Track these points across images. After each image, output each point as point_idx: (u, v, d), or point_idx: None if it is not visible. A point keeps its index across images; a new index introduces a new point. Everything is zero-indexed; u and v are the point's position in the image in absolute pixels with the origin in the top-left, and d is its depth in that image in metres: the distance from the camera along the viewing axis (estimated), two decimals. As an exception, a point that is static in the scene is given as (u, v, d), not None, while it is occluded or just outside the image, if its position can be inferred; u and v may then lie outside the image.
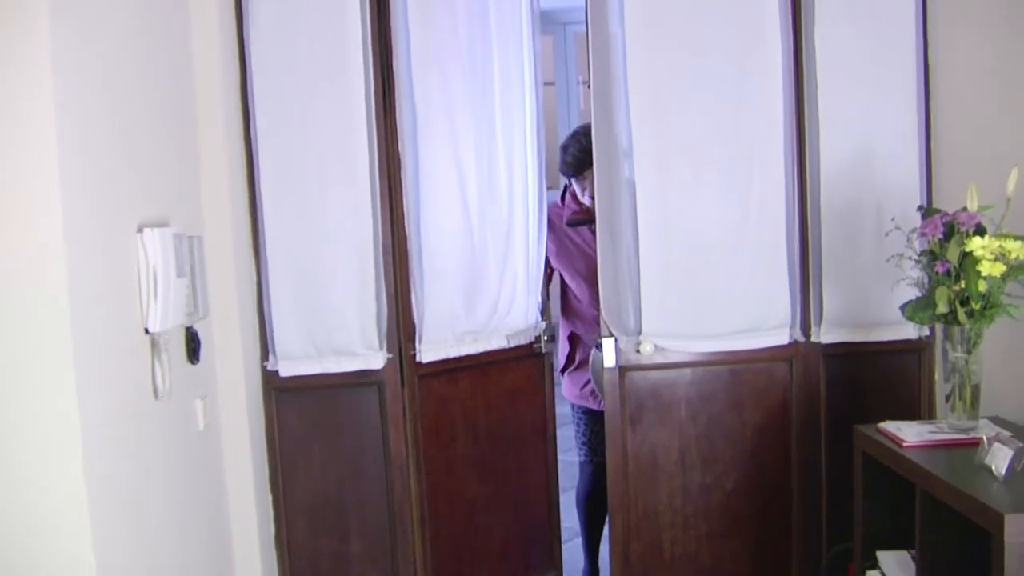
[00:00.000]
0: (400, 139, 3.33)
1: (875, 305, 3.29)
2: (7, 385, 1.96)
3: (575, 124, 6.73)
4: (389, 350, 3.34)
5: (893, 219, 2.95)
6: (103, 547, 2.06)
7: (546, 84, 6.76)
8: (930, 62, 3.31)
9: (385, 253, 3.32)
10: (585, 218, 3.84)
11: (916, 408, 3.38)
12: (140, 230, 2.36)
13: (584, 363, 3.97)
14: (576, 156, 3.86)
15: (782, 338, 3.35)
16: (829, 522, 3.44)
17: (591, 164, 3.42)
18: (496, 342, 3.63)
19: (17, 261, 1.94)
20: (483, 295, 3.60)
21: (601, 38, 3.33)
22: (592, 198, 3.52)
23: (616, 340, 3.37)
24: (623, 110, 3.31)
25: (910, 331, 3.29)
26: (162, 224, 2.49)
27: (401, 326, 3.38)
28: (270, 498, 3.35)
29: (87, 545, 2.01)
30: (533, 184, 3.72)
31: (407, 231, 3.37)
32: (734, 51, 3.27)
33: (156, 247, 2.36)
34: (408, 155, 3.36)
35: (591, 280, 3.62)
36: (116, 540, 2.15)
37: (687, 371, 3.41)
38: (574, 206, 3.96)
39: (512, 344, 3.68)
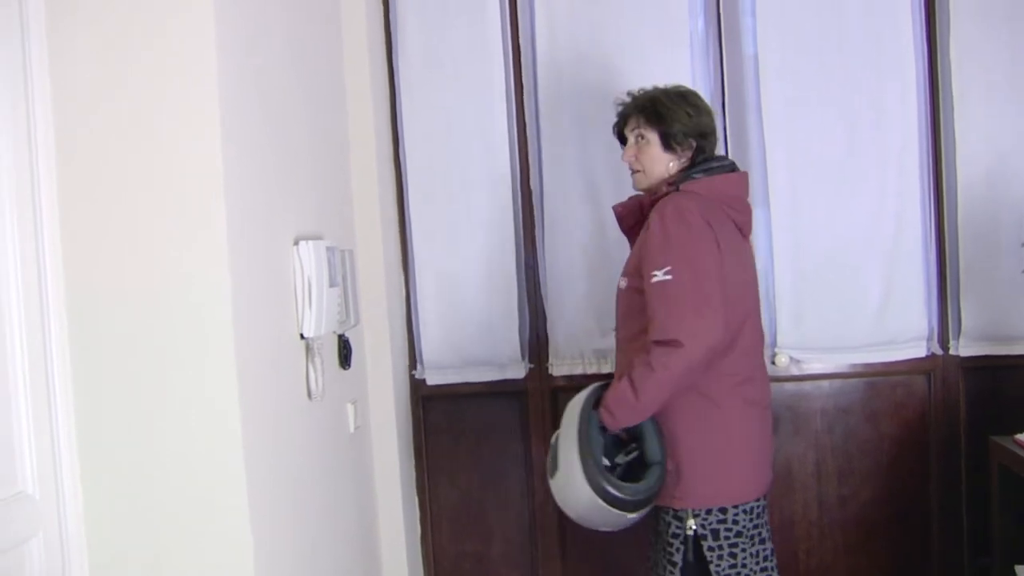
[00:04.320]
0: (531, 158, 3.45)
1: (1017, 318, 3.24)
2: (176, 384, 2.13)
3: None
4: (531, 361, 3.48)
5: (1025, 229, 2.93)
6: (261, 532, 2.20)
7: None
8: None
9: (527, 268, 3.47)
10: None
11: (1063, 423, 3.31)
12: (296, 243, 2.54)
13: None
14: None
15: (919, 351, 3.33)
16: (972, 537, 3.39)
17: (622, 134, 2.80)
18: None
19: (184, 269, 2.11)
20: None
21: (735, 56, 3.38)
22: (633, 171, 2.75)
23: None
24: (756, 123, 3.35)
25: (1053, 344, 3.23)
26: (316, 238, 2.67)
27: (542, 339, 3.50)
28: (416, 500, 3.51)
29: (246, 529, 2.15)
30: None
31: (538, 250, 3.47)
32: (868, 61, 3.28)
33: (310, 258, 2.54)
34: (535, 177, 3.45)
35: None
36: (273, 527, 2.30)
37: (824, 383, 3.43)
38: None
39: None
